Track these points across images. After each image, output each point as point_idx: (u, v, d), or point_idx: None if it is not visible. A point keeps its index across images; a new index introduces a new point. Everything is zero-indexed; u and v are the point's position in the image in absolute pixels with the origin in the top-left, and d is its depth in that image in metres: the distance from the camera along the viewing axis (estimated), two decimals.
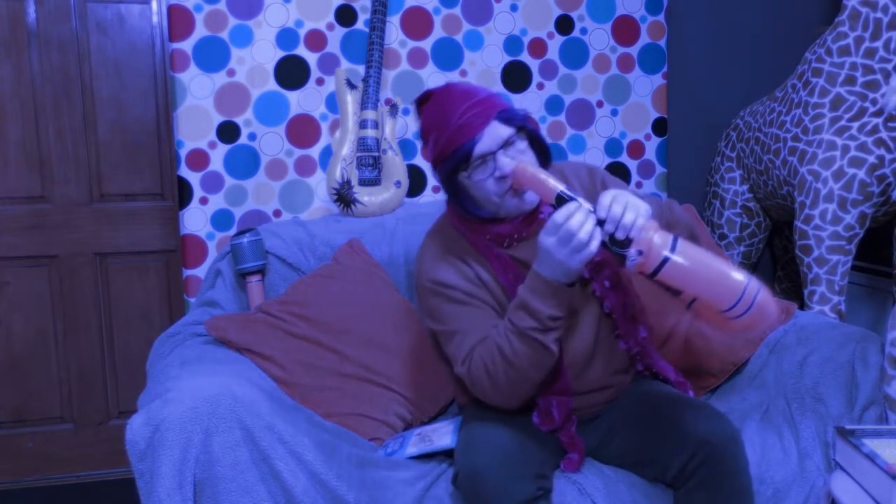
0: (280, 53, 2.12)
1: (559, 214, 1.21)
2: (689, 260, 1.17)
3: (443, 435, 1.54)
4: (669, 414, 1.41)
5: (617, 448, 1.48)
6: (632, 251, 1.19)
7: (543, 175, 1.27)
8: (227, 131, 2.10)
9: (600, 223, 1.22)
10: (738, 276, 1.15)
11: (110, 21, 2.42)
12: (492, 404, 1.38)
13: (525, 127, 1.37)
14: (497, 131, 1.34)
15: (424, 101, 1.43)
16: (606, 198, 1.21)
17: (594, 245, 1.21)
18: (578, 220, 1.20)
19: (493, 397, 1.35)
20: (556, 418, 1.43)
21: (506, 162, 1.33)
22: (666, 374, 1.55)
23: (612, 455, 1.50)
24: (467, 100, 1.35)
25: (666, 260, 1.16)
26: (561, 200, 1.24)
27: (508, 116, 1.35)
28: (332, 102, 2.16)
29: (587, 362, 1.46)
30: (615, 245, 1.22)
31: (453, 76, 2.24)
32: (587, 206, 1.22)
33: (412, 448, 1.52)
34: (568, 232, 1.20)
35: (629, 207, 1.20)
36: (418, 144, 2.14)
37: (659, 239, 1.18)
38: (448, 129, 1.34)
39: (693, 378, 1.82)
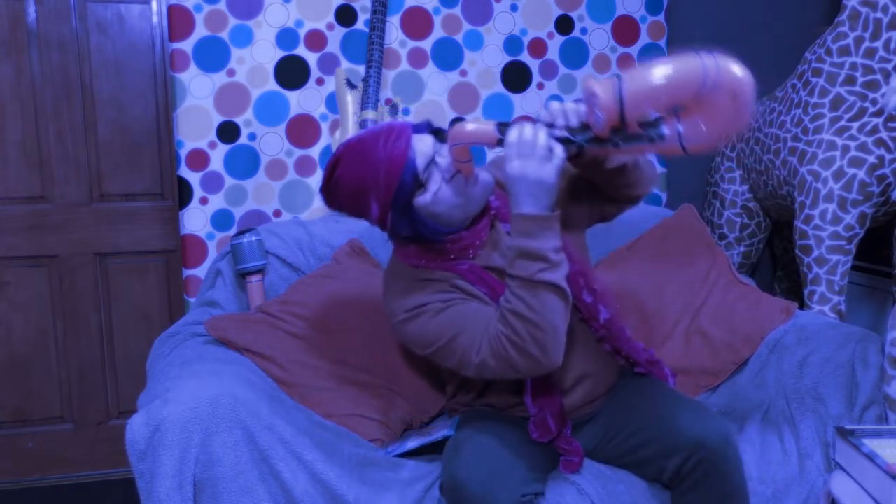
0: (280, 53, 2.12)
1: (510, 135, 1.21)
2: (637, 70, 1.14)
3: (441, 427, 1.55)
4: (664, 415, 1.41)
5: (614, 450, 1.48)
6: (594, 116, 1.16)
7: (474, 124, 1.26)
8: (227, 131, 2.10)
9: (549, 128, 1.22)
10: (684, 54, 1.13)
11: (110, 21, 2.42)
12: (530, 375, 1.31)
13: (434, 130, 1.37)
14: (422, 142, 1.32)
15: (332, 173, 1.35)
16: (541, 111, 1.22)
17: (559, 149, 1.20)
18: (529, 130, 1.20)
19: (526, 369, 1.26)
20: (552, 428, 1.42)
21: (444, 160, 1.32)
22: (636, 357, 1.52)
23: (610, 456, 1.49)
24: (377, 138, 1.31)
25: (620, 86, 1.13)
26: (503, 130, 1.23)
27: (418, 128, 1.35)
28: (332, 102, 2.16)
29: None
30: (577, 135, 1.21)
31: (453, 76, 2.24)
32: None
33: (412, 442, 1.53)
34: (525, 143, 1.20)
35: (565, 103, 1.22)
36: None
37: (601, 82, 1.15)
38: (380, 169, 1.29)
39: (693, 377, 1.82)
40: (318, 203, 2.19)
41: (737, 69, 1.11)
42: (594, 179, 1.42)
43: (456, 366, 1.34)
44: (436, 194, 1.31)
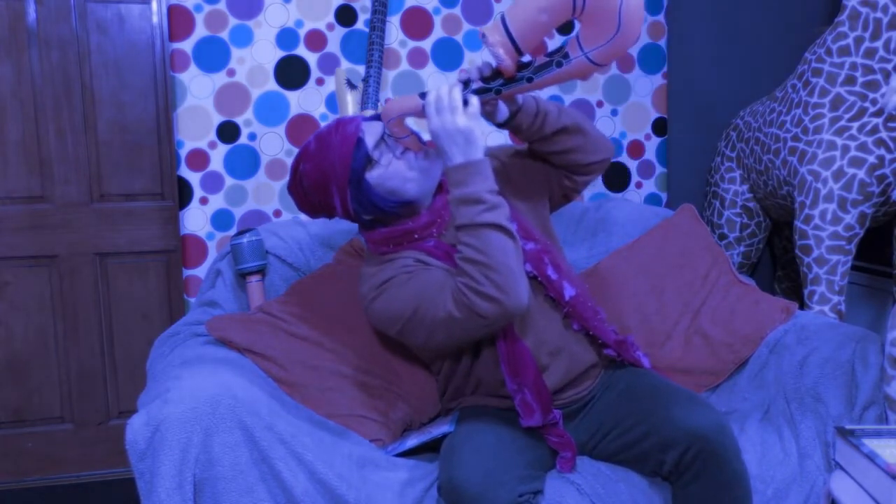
0: (280, 53, 2.12)
1: (428, 97, 1.31)
2: (515, 3, 1.24)
3: (441, 424, 1.55)
4: (657, 408, 1.41)
5: (609, 446, 1.49)
6: (496, 57, 1.25)
7: (401, 99, 1.35)
8: (227, 131, 2.10)
9: (467, 86, 1.32)
10: None
11: (110, 21, 2.42)
12: (498, 321, 1.31)
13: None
14: (372, 126, 1.44)
15: (296, 170, 1.45)
16: (458, 73, 1.35)
17: (474, 100, 1.30)
18: (443, 89, 1.31)
19: (491, 313, 1.28)
20: (533, 406, 1.41)
21: (393, 139, 1.42)
22: (604, 338, 1.53)
23: (607, 452, 1.50)
24: (330, 132, 1.43)
25: (503, 18, 1.23)
26: (424, 96, 1.34)
27: (367, 119, 1.45)
28: (332, 102, 2.16)
29: (528, 323, 1.46)
30: (491, 83, 1.30)
31: (453, 76, 2.24)
32: None
33: (412, 440, 1.54)
34: (439, 101, 1.30)
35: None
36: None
37: (490, 25, 1.26)
38: (335, 153, 1.40)
39: (693, 377, 1.82)
40: None
41: None
42: (540, 148, 1.49)
43: (427, 333, 1.38)
44: (387, 168, 1.41)
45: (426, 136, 1.48)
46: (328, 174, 1.41)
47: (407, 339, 1.46)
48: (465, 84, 1.33)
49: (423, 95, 1.34)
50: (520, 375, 1.42)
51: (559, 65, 1.26)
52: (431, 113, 1.31)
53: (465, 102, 1.31)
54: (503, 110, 1.40)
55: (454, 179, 1.32)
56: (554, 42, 2.30)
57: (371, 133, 1.42)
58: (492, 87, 1.31)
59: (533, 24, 1.22)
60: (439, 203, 1.48)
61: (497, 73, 1.30)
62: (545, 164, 1.53)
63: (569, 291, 1.49)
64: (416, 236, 1.46)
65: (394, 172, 1.41)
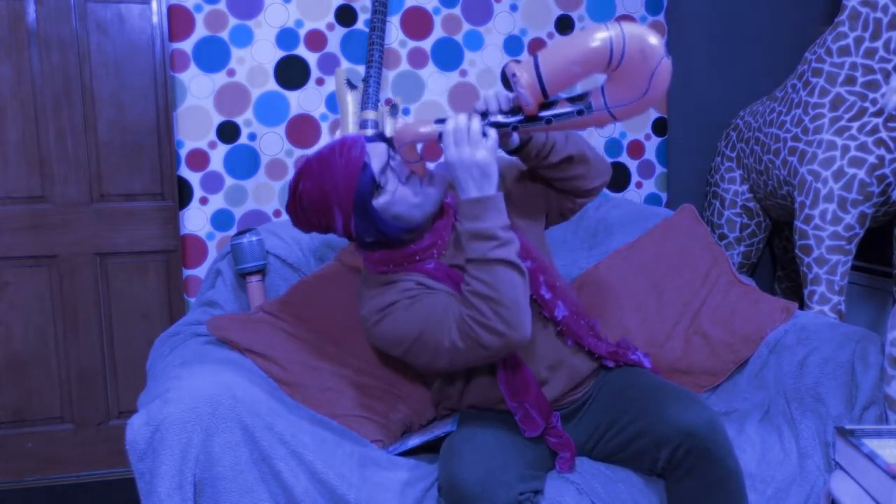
0: (280, 53, 2.12)
1: (446, 126, 1.30)
2: (551, 46, 1.24)
3: (443, 424, 1.55)
4: (651, 406, 1.42)
5: (607, 446, 1.49)
6: (520, 95, 1.24)
7: (416, 124, 1.34)
8: (227, 131, 2.10)
9: (484, 117, 1.30)
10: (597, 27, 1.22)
11: (110, 21, 2.42)
12: (501, 352, 1.34)
13: (388, 139, 1.43)
14: (376, 149, 1.40)
15: (296, 189, 1.42)
16: (477, 102, 1.33)
17: (492, 133, 1.29)
18: (461, 119, 1.29)
19: (495, 345, 1.30)
20: (537, 421, 1.43)
21: (398, 164, 1.40)
22: (597, 352, 1.54)
23: (605, 452, 1.50)
24: (333, 151, 1.39)
25: (536, 63, 1.22)
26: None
27: (371, 139, 1.43)
28: (332, 102, 2.16)
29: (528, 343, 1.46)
30: (510, 117, 1.29)
31: (453, 76, 2.24)
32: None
33: (414, 440, 1.54)
34: (459, 131, 1.28)
35: (498, 91, 1.33)
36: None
37: (520, 62, 1.25)
38: (339, 176, 1.37)
39: (693, 377, 1.82)
40: None
41: (642, 32, 1.20)
42: (545, 174, 1.48)
43: (431, 358, 1.38)
44: (394, 194, 1.38)
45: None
46: (330, 196, 1.38)
47: (410, 361, 1.47)
48: (483, 115, 1.31)
49: (440, 121, 1.32)
50: (520, 395, 1.44)
51: (580, 114, 1.26)
52: (449, 143, 1.30)
53: (484, 134, 1.30)
54: (514, 139, 1.40)
55: (468, 213, 1.31)
56: None
57: (376, 156, 1.39)
58: (510, 122, 1.30)
59: (565, 74, 1.22)
60: (440, 224, 1.47)
61: (518, 108, 1.29)
62: (546, 184, 1.53)
63: (560, 311, 1.49)
64: (416, 258, 1.45)
65: (400, 198, 1.39)
